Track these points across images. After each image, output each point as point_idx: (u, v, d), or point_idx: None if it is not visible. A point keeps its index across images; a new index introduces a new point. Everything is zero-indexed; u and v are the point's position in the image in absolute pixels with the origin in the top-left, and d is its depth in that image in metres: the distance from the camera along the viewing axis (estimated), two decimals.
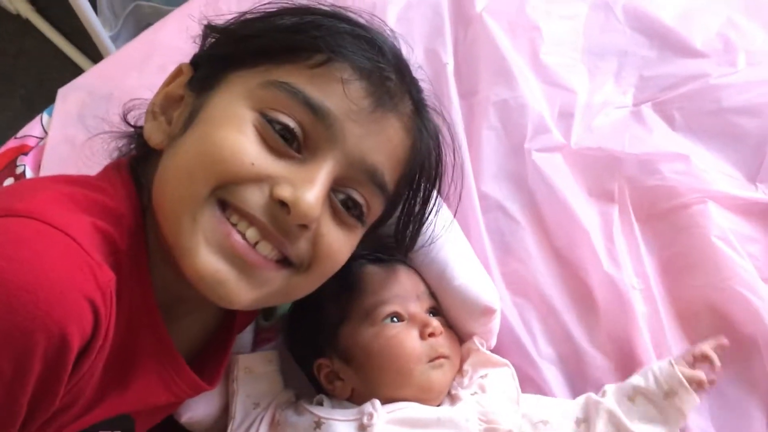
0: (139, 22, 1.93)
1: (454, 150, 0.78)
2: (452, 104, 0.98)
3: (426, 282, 0.83)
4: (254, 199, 0.62)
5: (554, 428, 0.76)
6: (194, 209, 0.62)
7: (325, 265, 0.67)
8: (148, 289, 0.66)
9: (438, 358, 0.77)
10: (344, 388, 0.79)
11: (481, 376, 0.79)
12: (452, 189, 0.84)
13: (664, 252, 0.89)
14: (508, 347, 0.85)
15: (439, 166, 0.76)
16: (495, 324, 0.82)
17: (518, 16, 1.05)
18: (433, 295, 0.83)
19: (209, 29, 0.74)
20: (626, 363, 0.83)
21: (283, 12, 0.69)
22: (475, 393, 0.77)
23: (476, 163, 0.96)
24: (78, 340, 0.53)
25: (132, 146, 0.79)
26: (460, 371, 0.81)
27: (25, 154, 1.12)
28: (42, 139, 1.13)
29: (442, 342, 0.78)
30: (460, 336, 0.83)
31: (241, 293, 0.63)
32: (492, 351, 0.83)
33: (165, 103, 0.71)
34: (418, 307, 0.80)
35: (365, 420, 0.74)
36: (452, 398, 0.78)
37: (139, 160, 0.73)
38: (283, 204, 0.61)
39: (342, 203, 0.66)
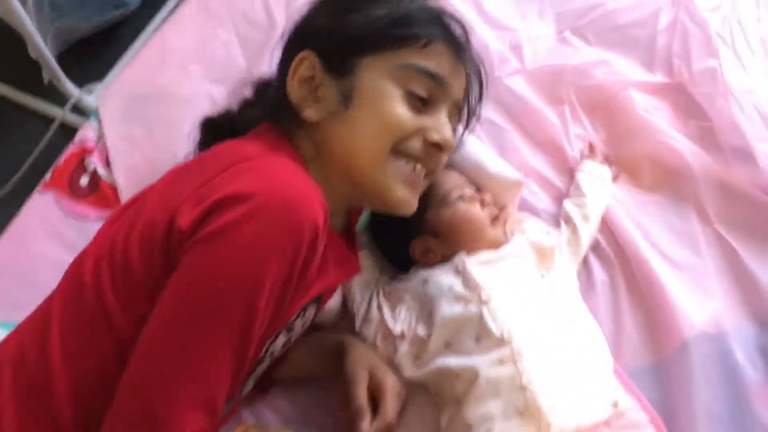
0: (58, 39, 2.07)
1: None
2: None
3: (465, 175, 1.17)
4: (417, 146, 0.92)
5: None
6: (385, 161, 0.90)
7: (442, 168, 1.00)
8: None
9: (496, 217, 1.12)
10: (435, 256, 1.11)
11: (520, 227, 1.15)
12: None
13: (608, 129, 1.29)
14: (525, 210, 1.21)
15: (482, 91, 1.06)
16: (519, 195, 1.19)
17: None
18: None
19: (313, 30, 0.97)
20: None
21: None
22: (519, 234, 1.13)
23: None
24: (321, 232, 0.79)
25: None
26: (504, 232, 1.16)
27: (90, 154, 1.33)
28: (99, 139, 1.34)
29: (493, 207, 1.13)
30: None
31: (414, 206, 0.95)
32: None
33: (304, 85, 0.92)
34: (470, 190, 1.14)
35: (459, 266, 1.07)
36: None
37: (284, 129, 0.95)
38: (434, 144, 0.93)
39: None
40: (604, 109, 1.29)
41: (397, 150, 0.91)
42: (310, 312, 0.97)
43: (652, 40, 1.33)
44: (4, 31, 2.05)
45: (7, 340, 0.90)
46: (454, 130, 1.00)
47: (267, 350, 0.91)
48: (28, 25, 1.78)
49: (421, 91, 0.91)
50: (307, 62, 0.92)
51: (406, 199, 0.93)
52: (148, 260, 0.80)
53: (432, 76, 0.92)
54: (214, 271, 0.74)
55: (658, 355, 1.08)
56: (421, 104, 0.92)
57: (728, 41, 1.28)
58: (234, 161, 0.82)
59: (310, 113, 0.91)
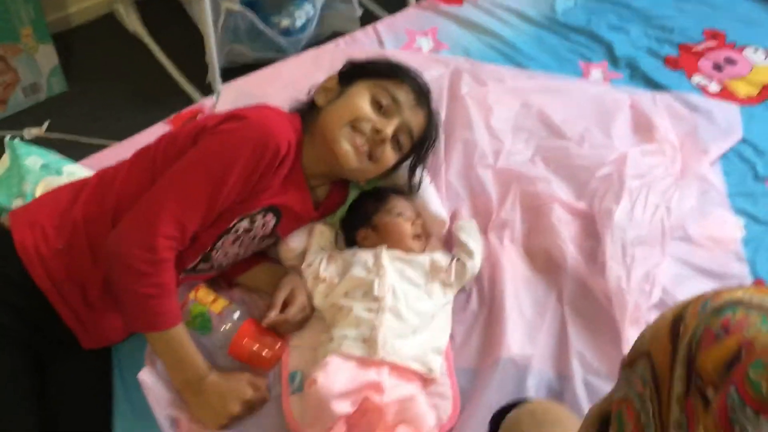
0: (227, 57, 2.81)
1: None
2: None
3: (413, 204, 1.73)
4: (366, 127, 1.52)
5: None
6: (342, 127, 1.51)
7: (385, 161, 1.57)
8: (300, 164, 1.54)
9: (418, 236, 1.66)
10: (369, 243, 1.66)
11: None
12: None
13: (528, 223, 1.80)
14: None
15: (436, 141, 1.68)
16: (443, 230, 1.73)
17: (483, 100, 1.99)
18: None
19: (349, 62, 1.65)
20: None
21: (381, 60, 1.64)
22: (428, 253, 1.66)
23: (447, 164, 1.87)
24: (282, 153, 1.41)
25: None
26: (420, 248, 1.69)
27: (202, 114, 2.00)
28: (212, 108, 2.01)
29: (420, 229, 1.67)
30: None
31: (352, 163, 1.53)
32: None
33: (326, 88, 1.61)
34: (411, 213, 1.69)
35: (377, 252, 1.61)
36: None
37: (304, 111, 1.61)
38: (377, 131, 1.52)
39: (394, 139, 1.57)
40: (532, 209, 1.81)
41: (353, 125, 1.51)
42: (270, 220, 1.54)
43: (587, 181, 1.84)
44: (198, 35, 2.81)
45: (102, 169, 1.55)
46: (402, 148, 1.59)
47: (233, 226, 1.48)
48: (211, 39, 2.53)
49: (382, 101, 1.52)
50: (331, 78, 1.61)
51: (346, 153, 1.50)
52: (190, 138, 1.45)
53: (393, 98, 1.54)
54: (211, 147, 1.38)
55: (478, 362, 1.56)
56: (379, 109, 1.53)
57: (633, 197, 1.77)
58: (254, 107, 1.47)
59: (320, 100, 1.58)
